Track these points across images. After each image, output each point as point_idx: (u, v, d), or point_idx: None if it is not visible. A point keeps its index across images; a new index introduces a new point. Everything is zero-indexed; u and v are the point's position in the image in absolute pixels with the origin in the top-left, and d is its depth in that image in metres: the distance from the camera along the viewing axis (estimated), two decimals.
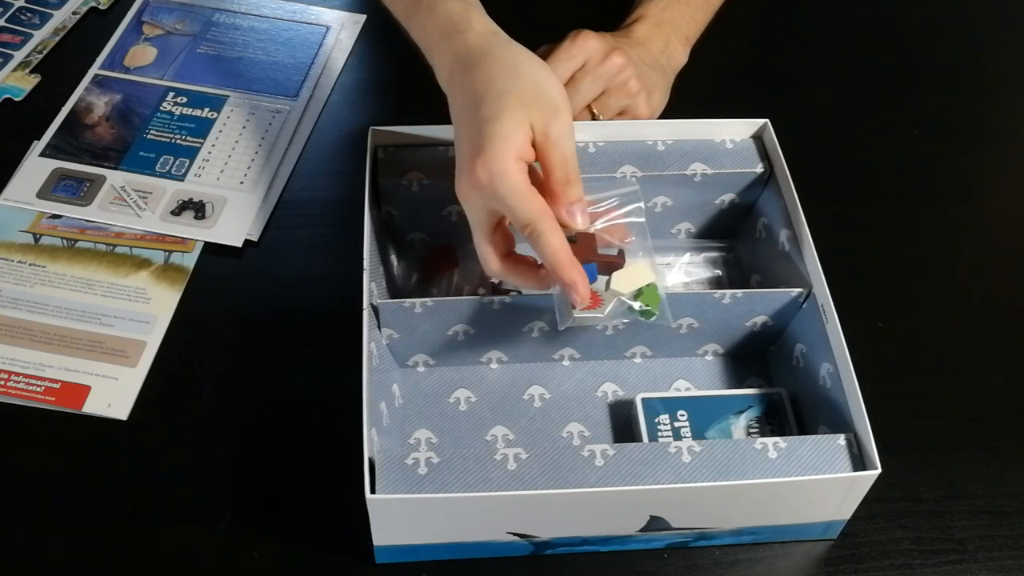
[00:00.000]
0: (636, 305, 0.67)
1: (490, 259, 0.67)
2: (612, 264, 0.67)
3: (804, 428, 0.71)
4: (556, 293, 0.67)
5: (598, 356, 0.76)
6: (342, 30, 1.03)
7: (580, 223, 0.66)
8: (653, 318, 0.67)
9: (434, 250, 0.80)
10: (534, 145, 0.65)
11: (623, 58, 0.82)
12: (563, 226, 0.65)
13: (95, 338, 0.77)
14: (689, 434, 0.70)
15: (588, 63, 0.81)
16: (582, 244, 0.66)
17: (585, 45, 0.81)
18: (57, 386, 0.74)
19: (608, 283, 0.67)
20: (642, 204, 0.70)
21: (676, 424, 0.70)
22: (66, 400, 0.73)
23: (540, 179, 0.66)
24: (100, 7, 1.03)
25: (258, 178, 0.88)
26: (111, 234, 0.84)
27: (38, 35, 1.00)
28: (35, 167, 0.88)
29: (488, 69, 0.66)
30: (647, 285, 0.67)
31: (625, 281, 0.67)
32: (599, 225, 0.68)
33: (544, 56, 0.82)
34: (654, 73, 0.86)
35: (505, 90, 0.64)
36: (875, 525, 0.69)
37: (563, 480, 0.61)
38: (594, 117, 0.83)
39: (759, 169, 0.77)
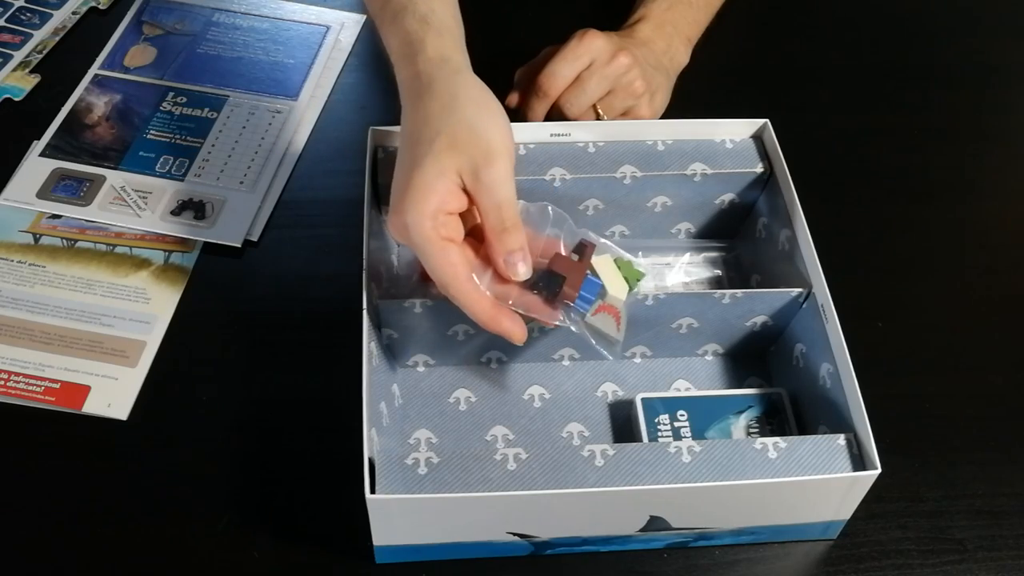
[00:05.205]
0: (636, 290, 0.68)
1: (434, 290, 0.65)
2: (585, 252, 0.66)
3: (804, 428, 0.71)
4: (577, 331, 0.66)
5: (598, 356, 0.76)
6: (342, 30, 1.03)
7: (522, 273, 0.63)
8: (645, 276, 0.68)
9: None
10: (466, 190, 0.62)
11: (629, 59, 0.82)
12: (504, 277, 0.63)
13: (95, 338, 0.77)
14: (689, 434, 0.70)
15: (595, 63, 0.81)
16: (559, 265, 0.64)
17: (592, 45, 0.81)
18: (57, 386, 0.74)
19: (603, 290, 0.66)
20: (569, 220, 0.68)
21: (676, 424, 0.70)
22: (66, 400, 0.73)
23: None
24: (100, 7, 1.03)
25: (258, 178, 0.88)
26: (111, 234, 0.84)
27: (38, 35, 1.00)
28: (35, 167, 0.88)
29: (427, 105, 0.63)
30: (620, 268, 0.67)
31: (615, 283, 0.67)
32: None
33: (550, 56, 0.82)
34: (658, 74, 0.86)
35: (438, 131, 0.61)
36: (875, 525, 0.69)
37: (563, 480, 0.61)
38: (598, 117, 0.83)
39: (759, 169, 0.77)
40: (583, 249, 0.67)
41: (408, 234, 0.62)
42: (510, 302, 0.64)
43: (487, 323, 0.63)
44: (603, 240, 0.69)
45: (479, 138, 0.61)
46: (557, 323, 0.65)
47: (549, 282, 0.64)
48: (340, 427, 0.66)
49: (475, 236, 0.65)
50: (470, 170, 0.61)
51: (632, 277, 0.68)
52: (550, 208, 0.68)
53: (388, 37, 0.70)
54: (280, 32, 1.02)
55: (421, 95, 0.64)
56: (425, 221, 0.61)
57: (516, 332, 0.64)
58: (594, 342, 0.67)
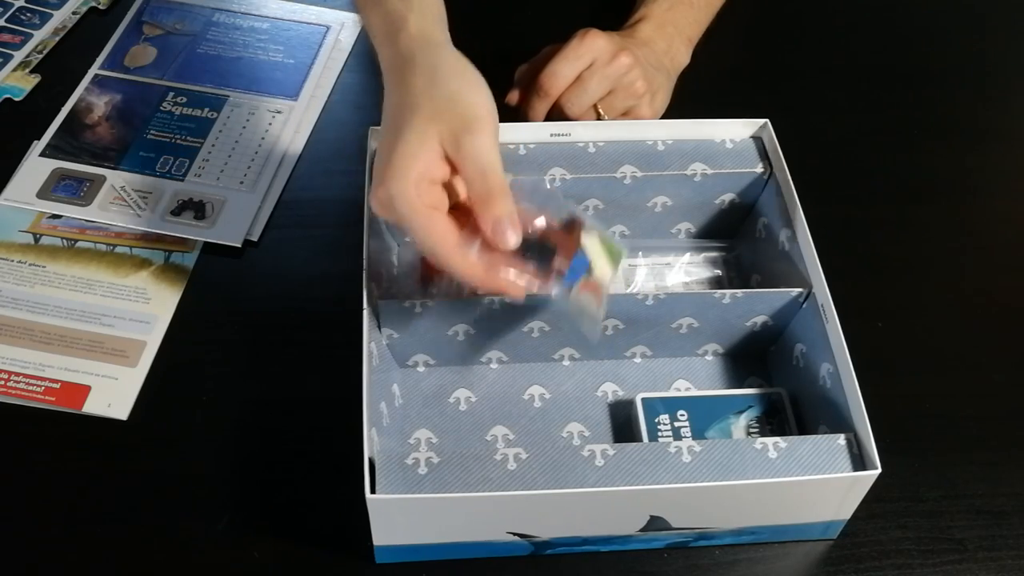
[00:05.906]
0: (616, 271, 0.67)
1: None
2: (573, 228, 0.66)
3: (804, 428, 0.71)
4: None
5: (598, 356, 0.76)
6: (342, 30, 1.03)
7: (511, 241, 0.61)
8: (625, 255, 0.68)
9: None
10: (449, 160, 0.61)
11: (631, 59, 0.82)
12: (492, 245, 0.61)
13: (95, 338, 0.77)
14: (689, 434, 0.70)
15: (596, 63, 0.81)
16: (550, 237, 0.64)
17: (593, 44, 0.81)
18: (57, 386, 0.74)
19: (589, 268, 0.66)
20: (559, 195, 0.68)
21: (676, 424, 0.70)
22: (66, 400, 0.73)
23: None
24: (100, 7, 1.03)
25: (258, 178, 0.88)
26: (111, 234, 0.84)
27: (38, 35, 1.00)
28: (35, 167, 0.88)
29: (409, 79, 0.63)
30: (603, 245, 0.66)
31: (600, 263, 0.66)
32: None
33: (551, 55, 0.82)
34: (659, 74, 0.86)
35: (420, 104, 0.61)
36: (875, 525, 0.69)
37: (563, 480, 0.61)
38: (599, 117, 0.83)
39: (759, 169, 0.77)
40: (572, 225, 0.66)
41: (392, 205, 0.61)
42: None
43: (483, 283, 0.62)
44: (588, 218, 0.68)
45: (460, 107, 0.61)
46: (551, 294, 0.64)
47: (540, 252, 0.63)
48: (340, 427, 0.66)
49: (461, 211, 0.64)
50: (451, 138, 0.61)
51: (614, 256, 0.67)
52: (541, 182, 0.67)
53: (370, 18, 0.70)
54: (280, 32, 1.02)
55: (403, 71, 0.64)
56: (409, 189, 0.60)
57: (514, 288, 0.63)
58: (576, 321, 0.66)
